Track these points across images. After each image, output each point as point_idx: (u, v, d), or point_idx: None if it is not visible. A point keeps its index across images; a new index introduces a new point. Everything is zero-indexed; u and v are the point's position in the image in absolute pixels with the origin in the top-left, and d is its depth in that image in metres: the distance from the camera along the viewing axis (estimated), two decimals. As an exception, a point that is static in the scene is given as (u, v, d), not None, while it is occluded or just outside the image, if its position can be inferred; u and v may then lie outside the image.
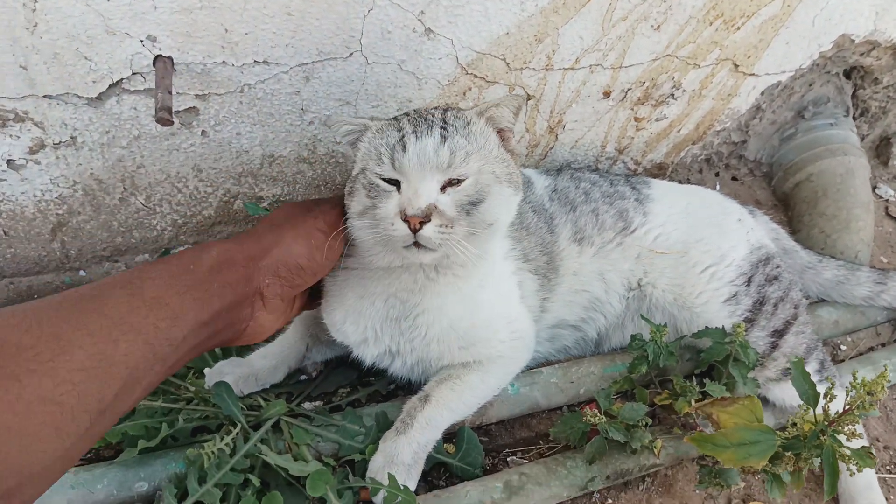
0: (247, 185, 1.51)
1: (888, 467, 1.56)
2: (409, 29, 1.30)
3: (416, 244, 1.08)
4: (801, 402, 1.06)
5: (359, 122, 1.20)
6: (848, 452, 1.04)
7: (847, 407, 1.04)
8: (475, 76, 1.45)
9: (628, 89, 1.63)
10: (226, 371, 1.37)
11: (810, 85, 2.01)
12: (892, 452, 1.63)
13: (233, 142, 1.41)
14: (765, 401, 1.52)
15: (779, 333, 1.49)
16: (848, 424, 1.04)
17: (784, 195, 2.12)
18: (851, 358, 1.78)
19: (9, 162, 1.32)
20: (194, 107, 1.32)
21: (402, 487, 1.18)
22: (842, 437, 1.08)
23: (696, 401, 1.40)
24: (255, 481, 1.19)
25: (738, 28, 1.57)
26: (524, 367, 1.43)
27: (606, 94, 1.62)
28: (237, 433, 1.24)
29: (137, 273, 0.90)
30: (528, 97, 1.55)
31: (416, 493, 1.22)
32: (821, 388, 1.15)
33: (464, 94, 1.49)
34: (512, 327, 1.37)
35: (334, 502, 1.19)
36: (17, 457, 0.66)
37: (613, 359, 1.56)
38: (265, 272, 1.05)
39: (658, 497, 1.43)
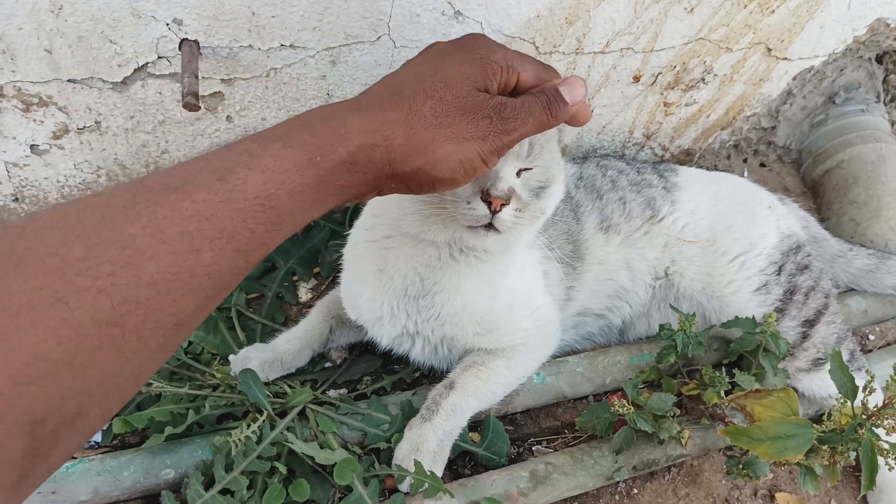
0: (270, 171, 1.50)
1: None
2: (437, 12, 1.28)
3: (488, 226, 1.04)
4: (839, 395, 1.04)
5: None
6: (886, 446, 1.02)
7: (887, 401, 1.02)
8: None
9: (658, 73, 1.60)
10: (251, 356, 1.36)
11: (842, 70, 1.96)
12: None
13: (258, 127, 1.39)
14: (793, 391, 1.50)
15: (809, 323, 1.47)
16: (888, 418, 1.02)
17: (813, 182, 2.08)
18: (880, 348, 1.75)
19: (32, 147, 1.31)
20: (220, 91, 1.30)
21: (428, 473, 1.17)
22: (880, 431, 1.07)
23: (726, 392, 1.38)
24: (282, 469, 1.19)
25: (773, 11, 1.53)
26: (550, 355, 1.42)
27: (636, 79, 1.59)
28: (263, 420, 1.24)
29: (245, 157, 0.67)
30: (557, 82, 1.52)
31: (442, 481, 1.22)
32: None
33: (491, 78, 1.46)
34: (535, 315, 1.36)
35: (361, 490, 1.19)
36: (72, 384, 0.55)
37: (640, 348, 1.54)
38: (396, 178, 0.81)
39: (684, 487, 1.42)
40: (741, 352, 1.43)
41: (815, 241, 1.73)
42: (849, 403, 1.07)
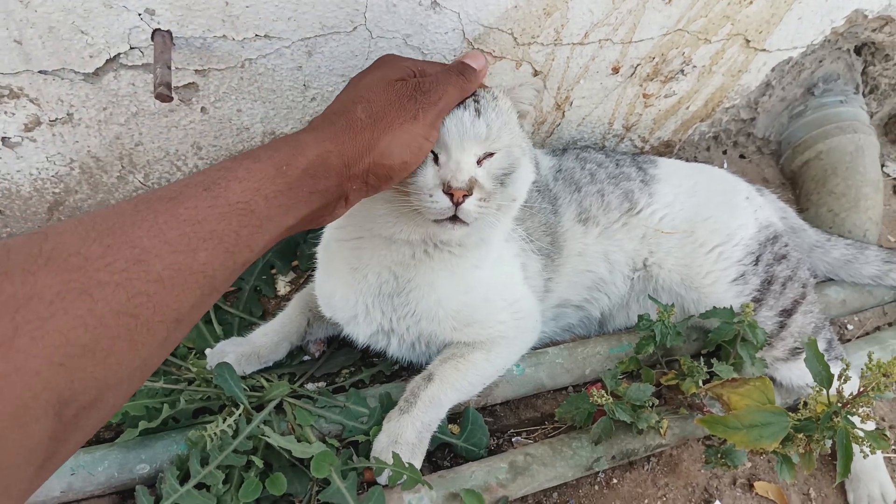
0: (247, 163, 1.48)
1: (894, 447, 1.56)
2: (414, 2, 1.27)
3: (453, 218, 1.04)
4: (815, 384, 1.05)
5: None
6: (861, 434, 1.03)
7: (861, 389, 1.03)
8: (482, 51, 1.42)
9: (637, 65, 1.60)
10: (227, 350, 1.35)
11: (821, 61, 1.97)
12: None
13: (233, 118, 1.38)
14: (771, 380, 1.51)
15: (787, 313, 1.48)
16: (862, 406, 1.02)
17: (792, 173, 2.09)
18: (858, 337, 1.77)
19: (3, 139, 1.29)
20: (194, 82, 1.29)
21: (406, 466, 1.17)
22: (855, 419, 1.07)
23: (704, 381, 1.39)
24: (258, 463, 1.18)
25: (751, 2, 1.53)
26: (530, 347, 1.42)
27: (615, 70, 1.59)
28: (240, 414, 1.23)
29: (224, 171, 0.80)
30: (536, 73, 1.52)
31: (421, 472, 1.22)
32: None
33: (469, 69, 1.45)
34: (514, 308, 1.35)
35: (338, 483, 1.18)
36: (92, 370, 0.63)
37: (619, 339, 1.55)
38: (354, 179, 0.94)
39: (663, 477, 1.43)
40: (719, 342, 1.43)
41: (793, 232, 1.75)
42: (824, 392, 1.07)
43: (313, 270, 1.41)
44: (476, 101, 1.07)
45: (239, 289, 1.57)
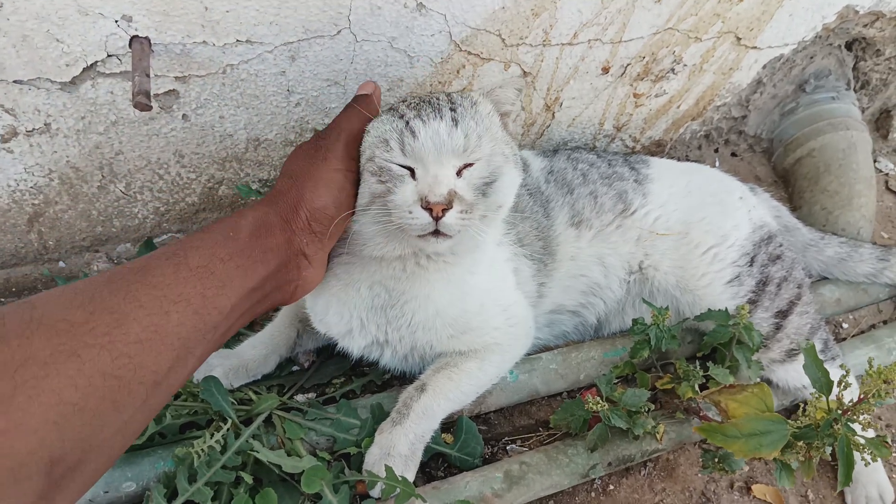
0: (232, 171, 1.45)
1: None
2: (399, 4, 1.24)
3: (435, 232, 1.02)
4: (814, 390, 1.03)
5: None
6: (862, 441, 1.01)
7: (862, 396, 1.01)
8: (469, 53, 1.39)
9: (628, 64, 1.58)
10: (214, 363, 1.32)
11: (812, 58, 1.95)
12: (894, 430, 1.61)
13: (216, 125, 1.34)
14: (767, 382, 1.49)
15: (783, 314, 1.46)
16: (863, 413, 1.01)
17: (784, 171, 2.08)
18: (853, 336, 1.76)
19: (-20, 150, 1.26)
20: (174, 89, 1.26)
21: (400, 479, 1.15)
22: (856, 426, 1.06)
23: (700, 385, 1.37)
24: (248, 479, 1.15)
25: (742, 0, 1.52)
26: (524, 354, 1.40)
27: (605, 70, 1.57)
28: (228, 429, 1.20)
29: (181, 244, 0.90)
30: (525, 74, 1.49)
31: (415, 484, 1.20)
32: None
33: (457, 72, 1.43)
34: (507, 314, 1.33)
35: (330, 497, 1.16)
36: (80, 430, 0.66)
37: (614, 343, 1.53)
38: (301, 233, 1.03)
39: (660, 482, 1.41)
40: (715, 344, 1.42)
41: (786, 231, 1.73)
42: (824, 398, 1.05)
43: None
44: (452, 110, 1.05)
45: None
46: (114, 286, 0.78)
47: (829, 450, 1.06)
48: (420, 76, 1.40)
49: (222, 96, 1.29)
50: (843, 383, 1.01)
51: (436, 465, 1.35)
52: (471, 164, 1.06)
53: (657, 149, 1.93)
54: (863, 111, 2.14)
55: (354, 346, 1.29)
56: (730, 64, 1.72)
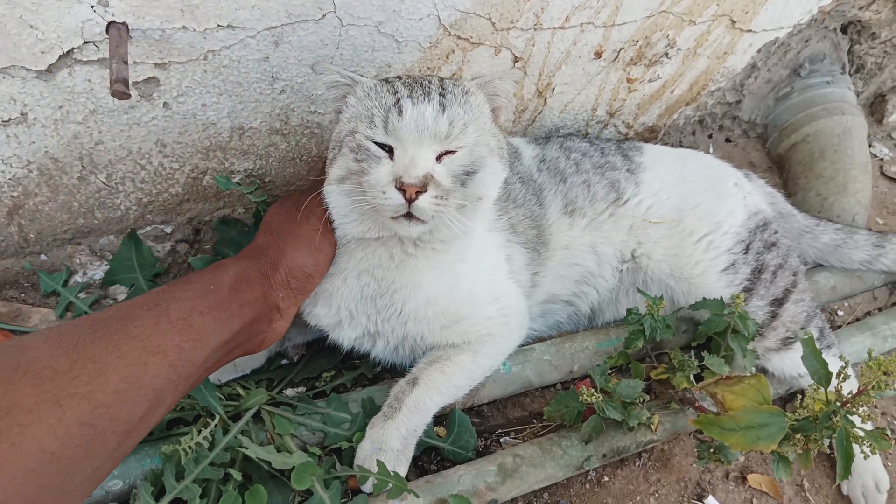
0: (216, 160, 1.41)
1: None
2: (386, -13, 1.20)
3: (408, 215, 1.01)
4: (812, 382, 1.01)
5: (348, 75, 1.12)
6: (862, 434, 0.99)
7: (862, 387, 0.99)
8: (459, 37, 1.36)
9: (621, 49, 1.54)
10: (202, 358, 1.30)
11: (807, 41, 1.93)
12: (889, 419, 1.60)
13: (198, 114, 1.31)
14: (763, 371, 1.48)
15: (778, 302, 1.45)
16: (862, 405, 0.99)
17: (779, 157, 2.05)
18: (849, 323, 1.74)
19: (-45, 142, 1.22)
20: (154, 77, 1.22)
21: (391, 474, 1.13)
22: (855, 418, 1.04)
23: (695, 375, 1.35)
24: (237, 475, 1.13)
25: (736, -19, 1.49)
26: (518, 345, 1.37)
27: (598, 55, 1.53)
28: (216, 425, 1.18)
29: (163, 294, 0.93)
30: (516, 59, 1.46)
31: (407, 479, 1.18)
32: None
33: (447, 56, 1.39)
34: (500, 303, 1.31)
35: (321, 493, 1.14)
36: (54, 478, 0.68)
37: (608, 333, 1.51)
38: (278, 288, 1.08)
39: (655, 472, 1.40)
40: (710, 334, 1.40)
41: (781, 218, 1.71)
42: (822, 390, 1.03)
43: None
44: (442, 95, 1.04)
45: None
46: (97, 334, 0.80)
47: (826, 442, 1.04)
48: (408, 61, 1.37)
49: (204, 83, 1.26)
50: (843, 375, 0.99)
51: (428, 459, 1.33)
52: (453, 152, 1.04)
53: (651, 135, 1.90)
54: (858, 95, 2.12)
55: (345, 337, 1.28)
56: (724, 48, 1.69)
